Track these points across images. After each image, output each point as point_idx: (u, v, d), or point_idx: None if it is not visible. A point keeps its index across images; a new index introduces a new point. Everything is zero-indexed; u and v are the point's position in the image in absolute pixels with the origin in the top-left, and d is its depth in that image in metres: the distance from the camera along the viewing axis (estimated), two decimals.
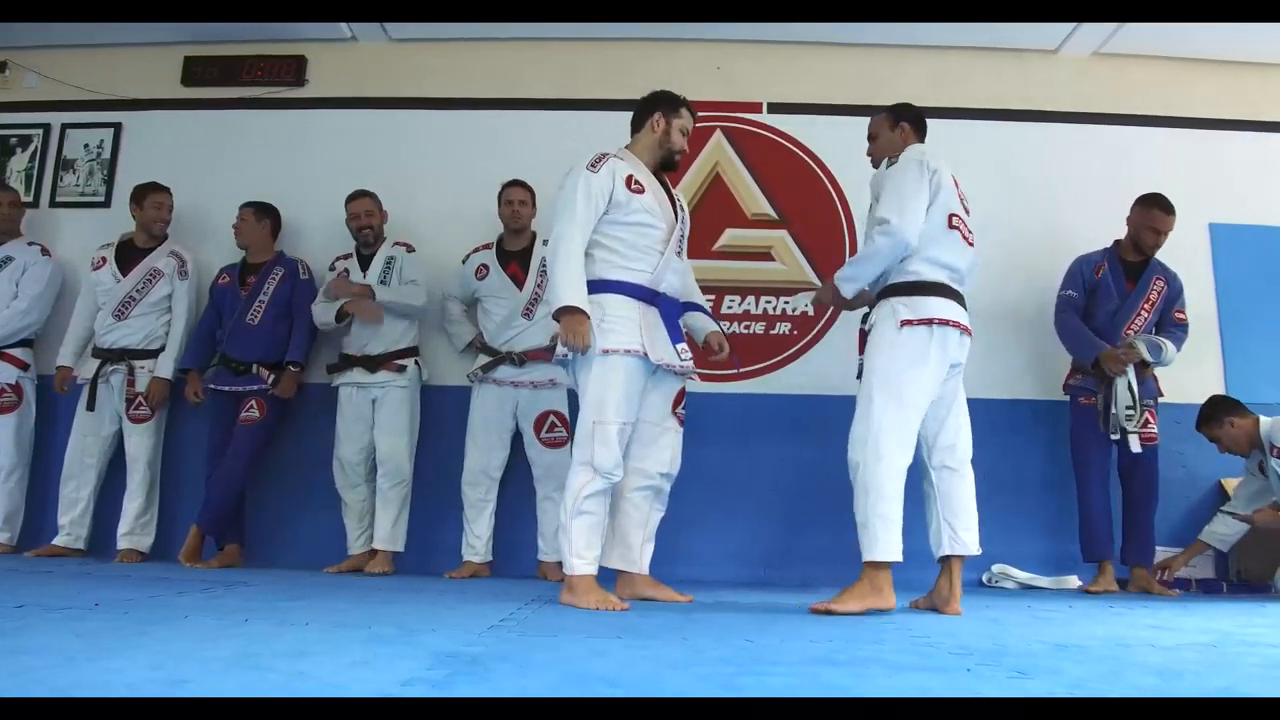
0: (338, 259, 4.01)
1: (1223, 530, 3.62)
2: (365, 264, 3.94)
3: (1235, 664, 1.76)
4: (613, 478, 2.65)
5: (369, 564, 3.75)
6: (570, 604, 2.55)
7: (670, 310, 2.82)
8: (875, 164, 2.97)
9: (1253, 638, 2.17)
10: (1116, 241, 3.91)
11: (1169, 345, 3.69)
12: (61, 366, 3.98)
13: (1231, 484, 3.85)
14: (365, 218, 3.94)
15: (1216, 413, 3.63)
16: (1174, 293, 3.84)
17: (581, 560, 2.60)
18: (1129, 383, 3.63)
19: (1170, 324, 3.82)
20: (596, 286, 2.73)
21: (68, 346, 4.02)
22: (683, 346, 2.78)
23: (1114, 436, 3.66)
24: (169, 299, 4.01)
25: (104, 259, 4.02)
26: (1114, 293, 3.81)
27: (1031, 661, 1.68)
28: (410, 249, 3.98)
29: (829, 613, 2.50)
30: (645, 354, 2.69)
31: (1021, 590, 3.74)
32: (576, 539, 2.61)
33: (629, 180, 2.78)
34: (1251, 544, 3.80)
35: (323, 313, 3.86)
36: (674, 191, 2.98)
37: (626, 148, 2.92)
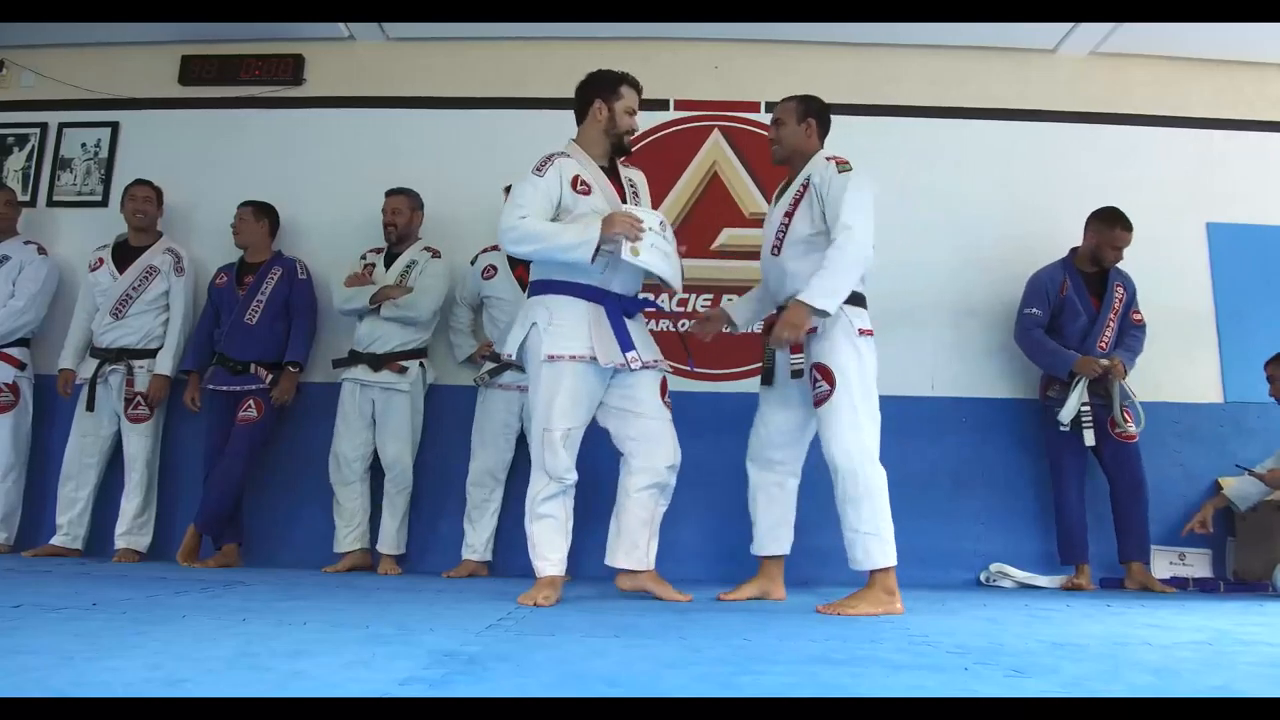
0: (369, 251, 4.02)
1: (1245, 489, 3.62)
2: (390, 261, 3.95)
3: (1232, 663, 1.76)
4: (564, 481, 2.67)
5: (381, 568, 3.77)
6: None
7: (617, 309, 2.74)
8: (775, 152, 2.96)
9: (1249, 636, 2.18)
10: (1073, 251, 3.91)
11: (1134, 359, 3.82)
12: (64, 369, 3.98)
13: (1229, 482, 3.86)
14: (391, 215, 3.95)
15: None
16: (1131, 295, 3.88)
17: (546, 562, 2.66)
18: (1084, 391, 3.68)
19: (1130, 326, 3.86)
20: (543, 288, 2.74)
21: (69, 348, 4.01)
22: (633, 355, 2.68)
23: (1063, 429, 3.71)
24: (166, 296, 4.01)
25: (100, 260, 4.02)
26: (1081, 309, 3.81)
27: (1029, 660, 1.69)
28: (436, 254, 3.97)
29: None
30: (594, 357, 2.66)
31: (1019, 589, 3.74)
32: (538, 542, 2.67)
33: (575, 181, 2.75)
34: (1249, 543, 3.81)
35: (351, 299, 3.85)
36: (630, 179, 2.90)
37: (574, 141, 2.88)
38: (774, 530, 2.93)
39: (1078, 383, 3.68)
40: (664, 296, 3.93)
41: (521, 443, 3.79)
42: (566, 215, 2.71)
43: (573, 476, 2.69)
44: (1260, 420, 3.89)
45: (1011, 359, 4.08)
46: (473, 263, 3.96)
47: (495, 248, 3.93)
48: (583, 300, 2.71)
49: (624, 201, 2.81)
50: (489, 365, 3.80)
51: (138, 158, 4.38)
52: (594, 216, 2.65)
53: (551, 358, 2.66)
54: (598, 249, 2.60)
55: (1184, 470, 3.96)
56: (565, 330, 2.68)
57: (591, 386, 2.72)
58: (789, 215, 2.86)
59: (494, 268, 3.87)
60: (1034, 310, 3.83)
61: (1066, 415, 3.66)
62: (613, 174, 2.87)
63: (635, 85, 2.86)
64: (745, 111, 4.34)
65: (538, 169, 2.74)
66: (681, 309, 4.14)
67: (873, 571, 2.60)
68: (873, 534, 2.59)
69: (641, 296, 2.90)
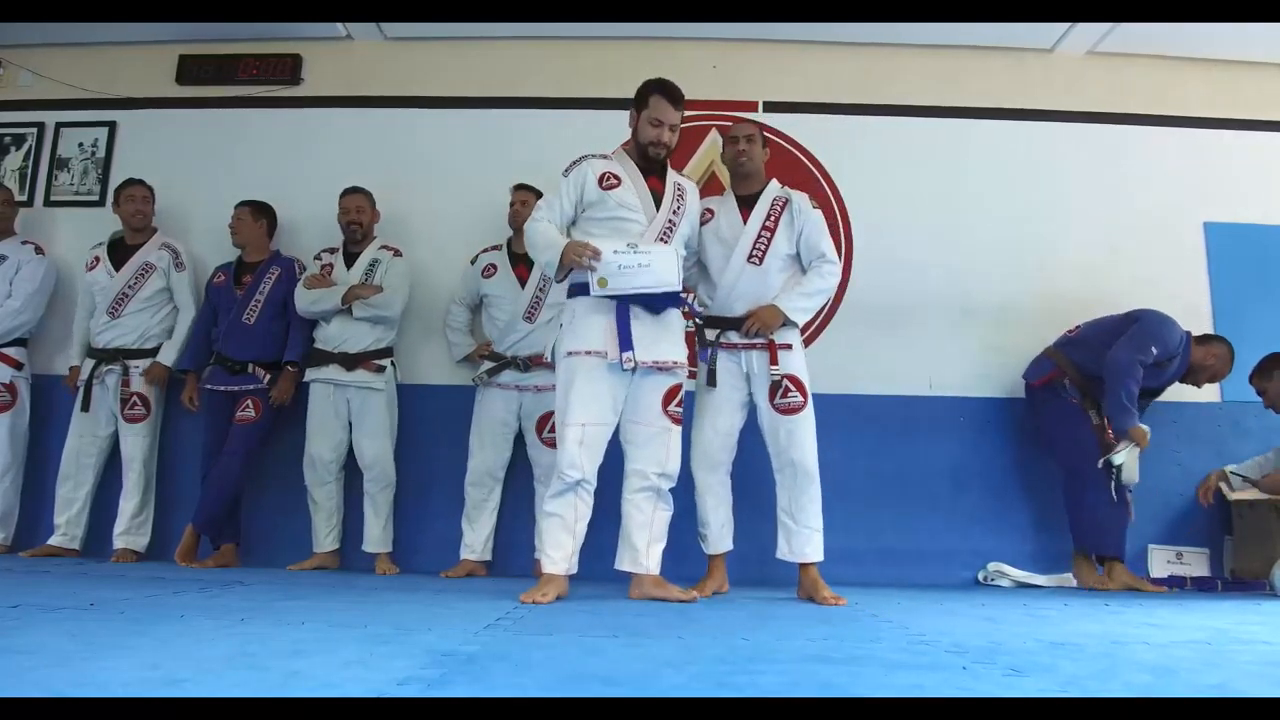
0: (323, 251, 4.00)
1: (1238, 480, 3.70)
2: (351, 261, 3.93)
3: (1229, 661, 1.76)
4: (568, 478, 2.70)
5: (379, 568, 3.76)
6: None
7: (626, 308, 2.76)
8: (747, 167, 3.12)
9: (1247, 635, 2.18)
10: (1191, 339, 3.73)
11: None
12: (74, 367, 4.00)
13: (1230, 469, 3.87)
14: (355, 214, 3.93)
15: (1268, 366, 3.72)
16: None
17: (547, 559, 2.73)
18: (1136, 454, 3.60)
19: None
20: (573, 290, 2.84)
21: (76, 346, 4.03)
22: (628, 355, 2.72)
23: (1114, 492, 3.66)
24: (163, 293, 4.01)
25: (97, 258, 4.02)
26: (1158, 385, 3.72)
27: (1027, 659, 1.69)
28: (397, 253, 3.96)
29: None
30: (607, 354, 2.73)
31: (1017, 588, 3.74)
32: (544, 538, 2.76)
33: (602, 177, 2.84)
34: (1246, 542, 3.81)
35: (320, 300, 3.82)
36: (679, 184, 2.97)
37: (623, 145, 2.98)
38: (724, 528, 3.09)
39: (1128, 444, 3.59)
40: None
41: (519, 442, 3.80)
42: (594, 209, 2.83)
43: (577, 474, 2.70)
44: (1257, 420, 3.89)
45: (1006, 357, 4.07)
46: (473, 262, 3.95)
47: (496, 247, 3.94)
48: (603, 299, 2.77)
49: (660, 201, 2.88)
50: (488, 364, 3.80)
51: (135, 157, 4.37)
52: (564, 240, 2.76)
53: (569, 354, 2.77)
54: (567, 271, 2.76)
55: (1182, 469, 3.96)
56: (584, 328, 2.77)
57: (609, 384, 2.76)
58: (769, 230, 3.05)
59: (494, 266, 3.88)
60: (1155, 351, 3.61)
61: (1129, 474, 3.58)
62: (658, 176, 2.93)
63: (666, 93, 2.87)
64: (743, 111, 4.32)
65: (566, 171, 2.89)
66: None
67: (809, 565, 2.93)
68: (819, 531, 2.95)
69: (668, 293, 2.82)
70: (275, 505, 4.02)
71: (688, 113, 3.04)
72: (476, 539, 3.73)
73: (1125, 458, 3.55)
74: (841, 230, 4.20)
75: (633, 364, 2.73)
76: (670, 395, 2.84)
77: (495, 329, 3.86)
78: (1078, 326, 3.88)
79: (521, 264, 3.85)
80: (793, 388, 2.96)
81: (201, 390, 3.93)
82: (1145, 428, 3.57)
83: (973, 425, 4.06)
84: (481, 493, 3.75)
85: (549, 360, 2.97)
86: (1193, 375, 3.77)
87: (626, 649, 1.72)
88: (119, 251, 4.03)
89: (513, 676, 1.39)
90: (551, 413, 3.68)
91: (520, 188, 3.90)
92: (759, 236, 3.04)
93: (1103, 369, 3.63)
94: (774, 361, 2.96)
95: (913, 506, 3.96)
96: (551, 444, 3.68)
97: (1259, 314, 4.14)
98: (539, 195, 3.84)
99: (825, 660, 1.62)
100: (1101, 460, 3.60)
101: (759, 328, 2.96)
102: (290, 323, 3.94)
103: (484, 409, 3.79)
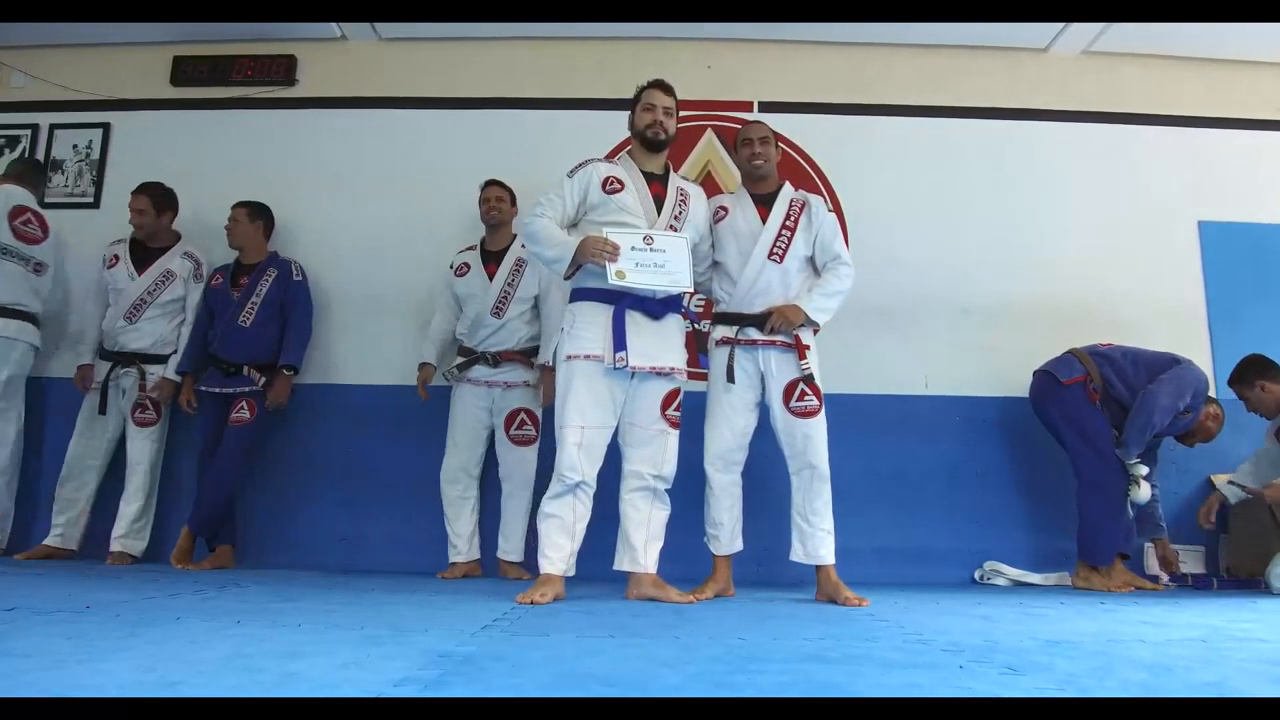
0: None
1: (1235, 491, 3.66)
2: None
3: (1225, 659, 1.76)
4: (567, 480, 2.72)
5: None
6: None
7: (621, 311, 2.77)
8: (764, 168, 3.11)
9: (1242, 633, 2.19)
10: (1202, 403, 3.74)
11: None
12: (83, 365, 3.96)
13: (1222, 479, 3.87)
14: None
15: (1249, 374, 3.68)
16: None
17: (546, 560, 2.74)
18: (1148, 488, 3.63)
19: None
20: (574, 295, 2.86)
21: (86, 345, 3.99)
22: (620, 355, 2.73)
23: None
24: (179, 301, 3.98)
25: (116, 257, 3.99)
26: (1171, 430, 3.73)
27: (1023, 658, 1.69)
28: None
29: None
30: (605, 358, 2.75)
31: (1013, 587, 3.75)
32: (543, 539, 2.76)
33: (606, 181, 2.86)
34: (1242, 539, 3.82)
35: None
36: (681, 189, 2.98)
37: (628, 151, 3.00)
38: (736, 530, 3.07)
39: (1142, 473, 3.60)
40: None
41: (493, 439, 3.81)
42: (595, 211, 2.85)
43: (576, 476, 2.72)
44: (1252, 416, 3.90)
45: (1003, 357, 4.08)
46: (450, 266, 3.94)
47: (471, 248, 3.92)
48: (602, 304, 2.79)
49: (663, 205, 2.90)
50: (459, 360, 3.80)
51: (129, 159, 4.37)
52: (576, 239, 2.77)
53: (568, 357, 2.79)
54: (577, 268, 2.77)
55: (1178, 467, 3.98)
56: (582, 332, 2.79)
57: (609, 387, 2.78)
58: (789, 230, 3.05)
59: (466, 265, 3.87)
60: (1187, 400, 3.62)
61: (1137, 494, 3.60)
62: (660, 181, 2.95)
63: (657, 85, 2.97)
64: (738, 111, 4.34)
65: (570, 172, 2.90)
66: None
67: (826, 567, 2.91)
68: (831, 533, 2.94)
69: (666, 296, 2.85)
70: (271, 507, 4.01)
71: (683, 112, 3.05)
72: (460, 538, 3.72)
73: (1144, 482, 3.60)
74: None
75: (624, 363, 2.73)
76: (669, 399, 2.86)
77: (465, 324, 3.84)
78: (1110, 343, 3.83)
79: (492, 261, 3.84)
80: (809, 391, 2.95)
81: (197, 392, 3.91)
82: (1145, 469, 3.61)
83: (969, 424, 4.07)
84: (457, 489, 3.74)
85: (549, 363, 2.96)
86: (1190, 436, 3.81)
87: (624, 649, 1.72)
88: (141, 253, 4.00)
89: (510, 677, 1.39)
90: (521, 409, 3.72)
91: (492, 184, 3.89)
92: (779, 234, 3.04)
93: (1130, 395, 3.63)
94: (802, 357, 2.95)
95: (909, 505, 3.96)
96: (519, 441, 3.71)
97: (1253, 312, 4.16)
98: (511, 191, 3.85)
99: (822, 660, 1.62)
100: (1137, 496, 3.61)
101: (782, 325, 2.95)
102: (287, 324, 3.93)
103: (458, 407, 3.78)
